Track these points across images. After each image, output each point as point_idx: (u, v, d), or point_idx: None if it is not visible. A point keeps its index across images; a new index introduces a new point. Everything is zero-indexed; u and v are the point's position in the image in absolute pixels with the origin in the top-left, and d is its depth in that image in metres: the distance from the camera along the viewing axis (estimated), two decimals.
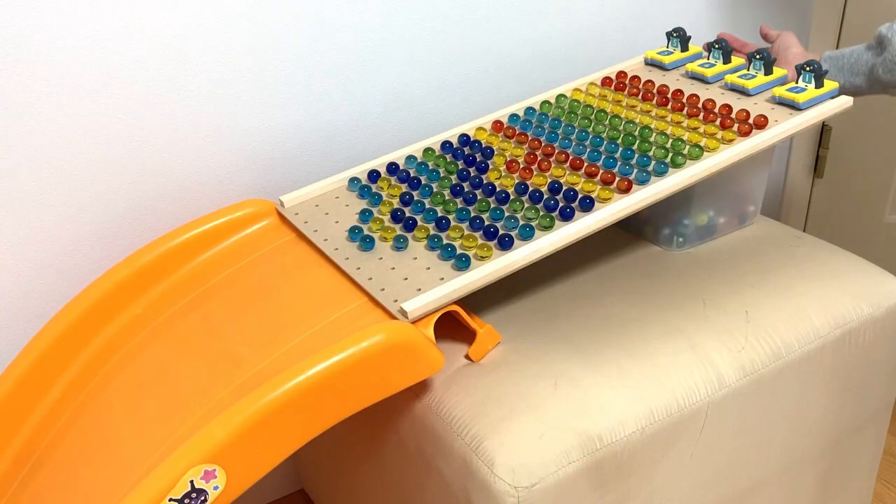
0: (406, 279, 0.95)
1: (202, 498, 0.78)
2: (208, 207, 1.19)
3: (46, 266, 1.12)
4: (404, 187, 1.11)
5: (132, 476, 0.85)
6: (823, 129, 1.76)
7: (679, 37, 1.27)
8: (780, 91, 1.09)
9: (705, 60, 1.22)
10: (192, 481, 0.77)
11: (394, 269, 0.98)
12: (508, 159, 1.11)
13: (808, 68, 1.08)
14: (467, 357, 0.97)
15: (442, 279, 0.93)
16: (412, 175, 1.13)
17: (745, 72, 1.15)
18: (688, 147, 1.03)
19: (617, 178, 1.01)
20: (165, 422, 0.90)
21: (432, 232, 1.02)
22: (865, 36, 1.63)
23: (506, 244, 0.95)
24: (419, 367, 0.89)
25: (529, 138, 1.14)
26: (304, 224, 1.10)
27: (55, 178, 1.08)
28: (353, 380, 0.84)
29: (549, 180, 1.04)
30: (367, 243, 1.02)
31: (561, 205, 0.98)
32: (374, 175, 1.15)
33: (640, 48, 1.40)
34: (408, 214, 1.06)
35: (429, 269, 0.96)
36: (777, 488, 1.11)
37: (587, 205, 0.98)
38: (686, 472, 0.98)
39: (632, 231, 1.20)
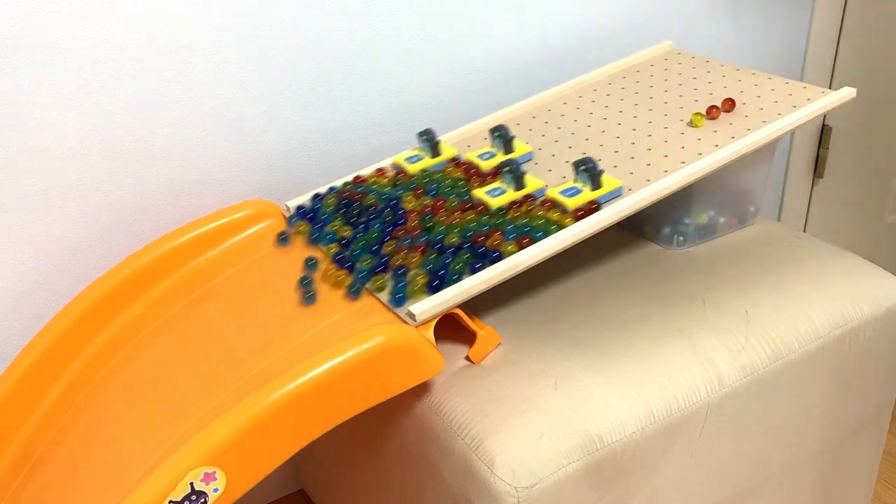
0: None
1: (202, 500, 0.78)
2: (208, 208, 1.19)
3: (46, 266, 1.12)
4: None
5: (132, 477, 0.85)
6: (823, 129, 1.76)
7: (428, 140, 1.13)
8: (552, 193, 1.00)
9: (487, 149, 1.13)
10: (192, 483, 0.77)
11: None
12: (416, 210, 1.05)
13: (582, 167, 0.98)
14: (467, 358, 0.97)
15: None
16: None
17: (571, 184, 1.02)
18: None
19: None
20: (165, 423, 0.90)
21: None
22: (866, 36, 1.64)
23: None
24: (419, 370, 0.89)
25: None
26: None
27: (55, 178, 1.08)
28: (354, 382, 0.84)
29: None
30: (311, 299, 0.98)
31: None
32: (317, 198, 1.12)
33: (641, 44, 1.40)
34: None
35: None
36: (777, 488, 1.11)
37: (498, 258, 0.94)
38: (686, 472, 0.98)
39: (632, 230, 1.20)
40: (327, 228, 1.06)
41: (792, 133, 1.67)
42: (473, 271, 0.93)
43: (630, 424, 0.90)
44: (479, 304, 1.05)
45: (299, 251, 1.08)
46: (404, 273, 0.95)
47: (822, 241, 1.18)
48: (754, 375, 0.99)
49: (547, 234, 0.94)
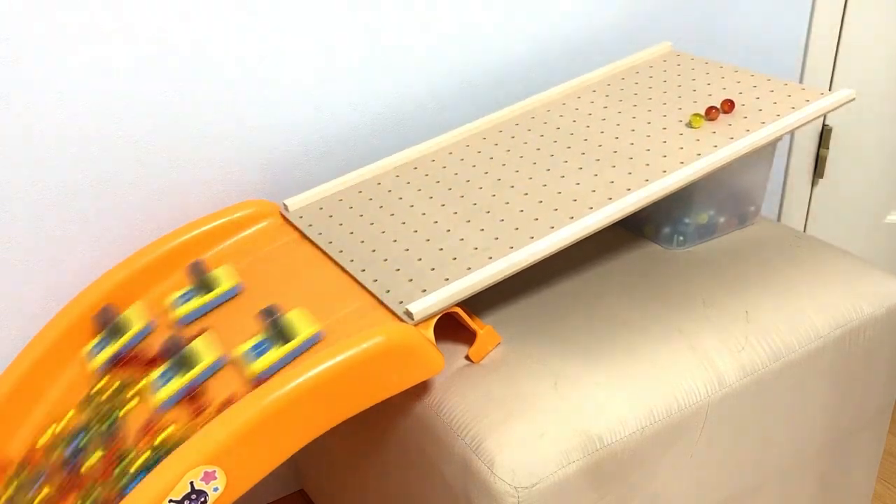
0: (411, 280, 0.95)
1: (202, 499, 0.78)
2: (208, 208, 1.19)
3: (46, 266, 1.12)
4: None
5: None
6: (823, 129, 1.75)
7: (106, 321, 0.96)
8: (236, 353, 0.87)
9: (187, 289, 1.01)
10: (191, 482, 0.77)
11: (398, 270, 0.98)
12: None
13: (268, 319, 0.87)
14: (467, 358, 0.97)
15: (447, 280, 0.93)
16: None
17: (261, 337, 0.88)
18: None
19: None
20: None
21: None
22: (866, 36, 1.64)
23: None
24: (419, 369, 0.89)
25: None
26: (309, 227, 1.10)
27: (55, 178, 1.08)
28: (353, 381, 0.84)
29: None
30: None
31: None
32: None
33: (640, 46, 1.40)
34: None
35: (433, 269, 0.96)
36: (777, 488, 1.11)
37: None
38: (686, 472, 0.98)
39: (632, 230, 1.20)
40: None
41: (792, 133, 1.68)
42: None
43: (630, 424, 0.90)
44: (479, 304, 1.05)
45: (300, 251, 1.08)
46: None
47: (822, 241, 1.18)
48: (754, 375, 0.99)
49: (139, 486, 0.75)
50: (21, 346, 1.12)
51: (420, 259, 0.99)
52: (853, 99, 1.07)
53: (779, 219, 1.83)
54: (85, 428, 0.86)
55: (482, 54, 1.34)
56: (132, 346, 0.96)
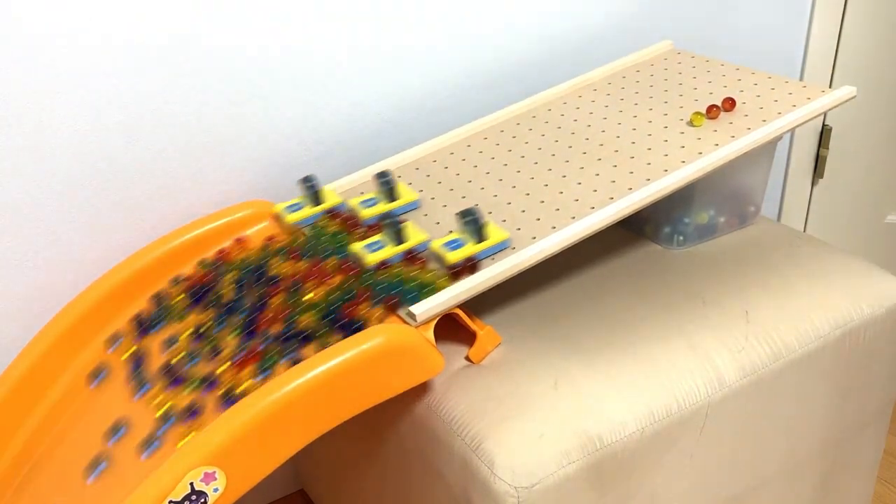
0: None
1: (202, 500, 0.77)
2: (208, 208, 1.19)
3: (46, 266, 1.12)
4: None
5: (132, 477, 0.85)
6: (823, 129, 1.76)
7: (311, 186, 1.08)
8: (436, 245, 0.96)
9: (370, 196, 1.08)
10: (191, 483, 0.77)
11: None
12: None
13: (466, 218, 0.94)
14: (467, 359, 0.97)
15: None
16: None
17: (455, 236, 0.97)
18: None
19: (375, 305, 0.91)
20: None
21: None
22: (866, 36, 1.64)
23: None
24: (419, 370, 0.89)
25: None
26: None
27: (55, 178, 1.08)
28: (354, 382, 0.84)
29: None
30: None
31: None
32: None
33: (641, 44, 1.40)
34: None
35: (433, 270, 0.96)
36: (777, 488, 1.11)
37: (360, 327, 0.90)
38: (686, 472, 0.98)
39: (632, 230, 1.20)
40: (179, 337, 0.95)
41: (792, 132, 1.68)
42: (290, 359, 0.87)
43: (630, 424, 0.90)
44: (480, 304, 1.05)
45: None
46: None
47: (822, 241, 1.18)
48: (754, 375, 0.99)
49: (419, 297, 0.89)
50: (21, 346, 1.12)
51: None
52: (854, 96, 1.07)
53: (779, 219, 1.83)
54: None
55: (483, 54, 1.34)
56: (338, 211, 1.08)
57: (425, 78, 1.30)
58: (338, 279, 0.95)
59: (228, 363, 0.89)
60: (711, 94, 1.17)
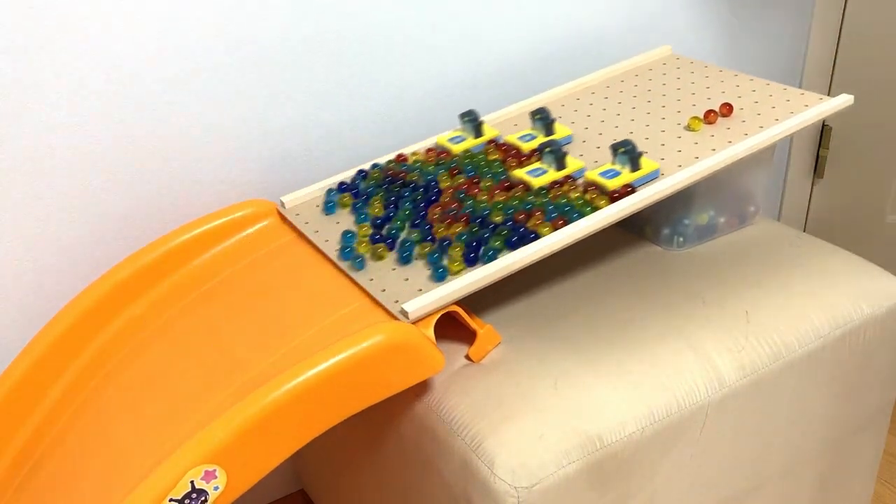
0: (407, 280, 0.95)
1: (202, 498, 0.78)
2: (209, 207, 1.19)
3: (46, 266, 1.12)
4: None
5: (132, 476, 0.85)
6: (823, 129, 1.76)
7: (471, 120, 1.16)
8: (592, 175, 1.01)
9: (528, 131, 1.15)
10: (192, 481, 0.77)
11: (394, 269, 0.98)
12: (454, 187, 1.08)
13: (621, 150, 1.00)
14: (467, 357, 0.97)
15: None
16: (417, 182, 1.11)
17: (610, 166, 1.03)
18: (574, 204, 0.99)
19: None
20: (166, 423, 0.90)
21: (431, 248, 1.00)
22: (866, 36, 1.64)
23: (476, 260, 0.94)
24: (419, 368, 0.89)
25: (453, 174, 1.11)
26: (305, 224, 1.10)
27: (55, 177, 1.08)
28: (354, 380, 0.84)
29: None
30: (359, 263, 1.00)
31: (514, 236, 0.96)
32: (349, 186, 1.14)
33: (640, 49, 1.41)
34: (387, 232, 1.03)
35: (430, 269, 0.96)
36: (777, 488, 1.11)
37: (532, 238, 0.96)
38: (686, 472, 0.98)
39: (632, 231, 1.20)
40: (371, 201, 1.08)
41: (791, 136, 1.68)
42: (511, 247, 0.94)
43: (630, 424, 0.90)
44: (480, 303, 1.05)
45: (300, 251, 1.08)
46: (448, 245, 0.96)
47: (822, 241, 1.18)
48: (754, 375, 0.99)
49: (582, 215, 0.96)
50: (21, 346, 1.12)
51: (417, 258, 0.99)
52: (851, 104, 1.07)
53: (779, 219, 1.83)
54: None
55: (482, 56, 1.34)
56: (497, 142, 1.15)
57: (423, 79, 1.30)
58: (510, 194, 1.03)
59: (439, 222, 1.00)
60: (709, 99, 1.17)
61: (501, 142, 1.15)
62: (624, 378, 0.94)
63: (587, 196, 0.99)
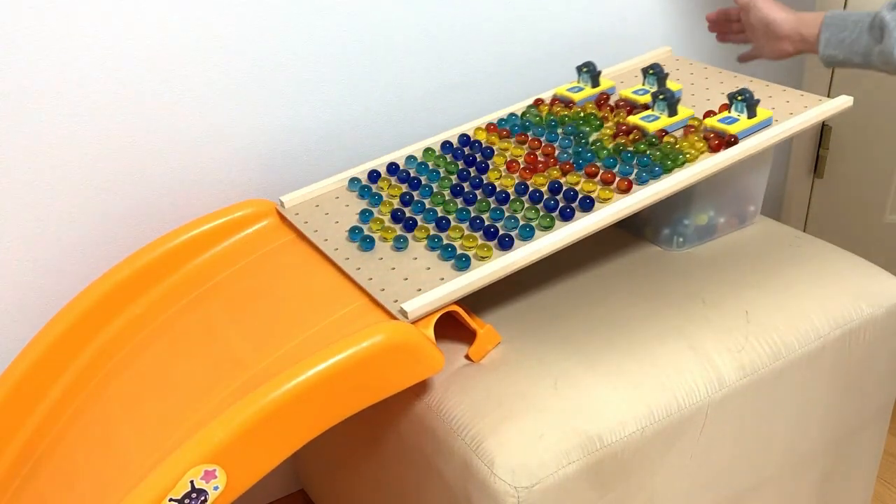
0: (406, 279, 0.95)
1: (202, 498, 0.78)
2: (208, 207, 1.19)
3: (47, 266, 1.12)
4: (404, 187, 1.11)
5: (132, 476, 0.85)
6: (823, 129, 1.76)
7: (589, 72, 1.22)
8: (711, 122, 1.06)
9: (640, 87, 1.19)
10: (192, 481, 0.77)
11: (394, 269, 0.98)
12: (508, 159, 1.11)
13: (739, 97, 1.05)
14: (467, 357, 0.97)
15: (442, 279, 0.93)
16: (412, 175, 1.13)
17: (649, 112, 1.11)
18: (683, 152, 1.03)
19: (617, 178, 1.01)
20: (165, 422, 0.90)
21: (432, 232, 1.02)
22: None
23: (506, 244, 0.95)
24: (419, 368, 0.89)
25: (529, 138, 1.14)
26: (305, 224, 1.10)
27: (55, 178, 1.08)
28: (353, 380, 0.84)
29: (549, 180, 1.04)
30: (367, 243, 1.02)
31: (561, 205, 0.98)
32: (374, 175, 1.15)
33: (641, 49, 1.41)
34: (408, 215, 1.06)
35: (429, 269, 0.96)
36: (777, 488, 1.11)
37: (587, 205, 0.98)
38: (686, 472, 0.98)
39: (632, 231, 1.20)
40: (391, 190, 1.12)
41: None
42: (565, 217, 0.97)
43: (630, 424, 0.90)
44: (480, 303, 1.05)
45: (299, 251, 1.08)
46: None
47: (822, 241, 1.18)
48: (754, 375, 0.99)
49: (679, 166, 1.01)
50: (21, 346, 1.12)
51: (416, 258, 0.99)
52: (850, 105, 1.07)
53: (779, 219, 1.83)
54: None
55: (482, 56, 1.34)
56: (609, 93, 1.22)
57: (423, 78, 1.30)
58: (625, 140, 1.09)
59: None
60: (709, 100, 1.17)
61: (615, 94, 1.21)
62: (624, 378, 0.94)
63: (692, 143, 1.03)
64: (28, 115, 1.04)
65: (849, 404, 1.12)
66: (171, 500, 0.76)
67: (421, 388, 0.96)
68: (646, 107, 1.14)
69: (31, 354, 1.01)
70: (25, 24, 1.00)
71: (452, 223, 1.02)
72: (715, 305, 1.04)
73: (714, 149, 1.02)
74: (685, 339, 0.99)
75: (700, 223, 1.16)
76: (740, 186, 1.18)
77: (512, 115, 1.22)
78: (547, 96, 1.26)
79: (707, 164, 1.01)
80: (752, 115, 1.05)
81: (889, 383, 1.16)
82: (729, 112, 1.07)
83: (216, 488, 0.78)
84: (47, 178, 1.08)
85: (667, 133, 1.08)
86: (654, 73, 1.16)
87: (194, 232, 1.11)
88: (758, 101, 1.05)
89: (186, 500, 0.77)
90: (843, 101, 1.07)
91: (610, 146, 1.08)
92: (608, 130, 1.12)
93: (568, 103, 1.21)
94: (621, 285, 1.09)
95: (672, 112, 1.10)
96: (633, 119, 1.11)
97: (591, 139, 1.12)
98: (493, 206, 1.03)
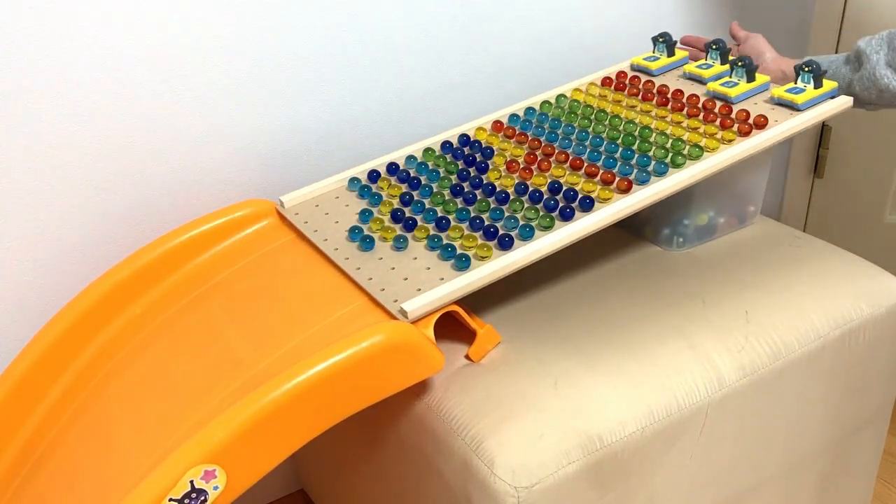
0: (406, 279, 0.95)
1: (202, 498, 0.78)
2: (208, 207, 1.19)
3: (47, 266, 1.12)
4: (404, 187, 1.11)
5: (132, 476, 0.85)
6: (823, 129, 1.76)
7: (665, 42, 1.26)
8: (779, 92, 1.08)
9: (703, 62, 1.21)
10: (192, 481, 0.77)
11: (394, 269, 0.98)
12: (508, 159, 1.11)
13: (806, 68, 1.07)
14: (467, 357, 0.97)
15: (442, 279, 0.93)
16: (412, 175, 1.13)
17: (727, 79, 1.15)
18: (688, 147, 1.03)
19: (617, 178, 1.01)
20: (165, 422, 0.90)
21: (432, 232, 1.02)
22: (865, 35, 1.64)
23: (506, 244, 0.95)
24: (419, 368, 0.89)
25: (529, 138, 1.14)
26: (304, 224, 1.10)
27: (55, 178, 1.08)
28: (353, 380, 0.84)
29: (549, 180, 1.04)
30: (366, 243, 1.02)
31: (561, 205, 0.98)
32: (373, 175, 1.15)
33: (641, 49, 1.40)
34: (408, 214, 1.06)
35: (429, 269, 0.96)
36: (777, 488, 1.11)
37: (587, 205, 0.98)
38: (686, 472, 0.98)
39: (632, 231, 1.20)
40: (391, 189, 1.12)
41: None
42: (565, 217, 0.97)
43: (630, 424, 0.90)
44: (480, 303, 1.05)
45: (299, 251, 1.08)
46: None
47: (822, 241, 1.18)
48: (754, 375, 0.99)
49: (695, 158, 1.02)
50: (21, 346, 1.12)
51: (416, 258, 0.99)
52: (850, 105, 1.07)
53: (779, 219, 1.83)
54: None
55: (482, 56, 1.34)
56: (684, 63, 1.26)
57: (423, 78, 1.30)
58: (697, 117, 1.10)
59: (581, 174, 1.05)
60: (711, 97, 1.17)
61: (683, 66, 1.24)
62: (624, 378, 0.94)
63: (712, 134, 1.05)
64: (28, 115, 1.04)
65: (849, 404, 1.12)
66: (171, 500, 0.76)
67: (421, 388, 0.96)
68: (730, 64, 1.16)
69: (31, 354, 1.01)
70: (25, 24, 1.00)
71: (452, 223, 1.02)
72: (715, 305, 1.04)
73: (744, 133, 1.04)
74: (685, 339, 0.99)
75: (700, 223, 1.16)
76: (740, 186, 1.18)
77: (529, 108, 1.22)
78: (624, 66, 1.30)
79: (707, 164, 1.01)
80: (818, 85, 1.07)
81: (889, 383, 1.16)
82: (795, 83, 1.09)
83: (216, 488, 0.78)
84: (47, 178, 1.08)
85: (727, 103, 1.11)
86: (718, 48, 1.20)
87: (194, 232, 1.11)
88: (824, 71, 1.07)
89: (186, 500, 0.77)
90: (843, 101, 1.07)
91: (619, 139, 1.09)
92: (650, 110, 1.14)
93: (646, 73, 1.26)
94: (621, 285, 1.09)
95: (751, 78, 1.13)
96: (713, 85, 1.14)
97: (634, 128, 1.12)
98: (492, 206, 1.03)
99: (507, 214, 1.01)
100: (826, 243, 1.17)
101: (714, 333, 1.00)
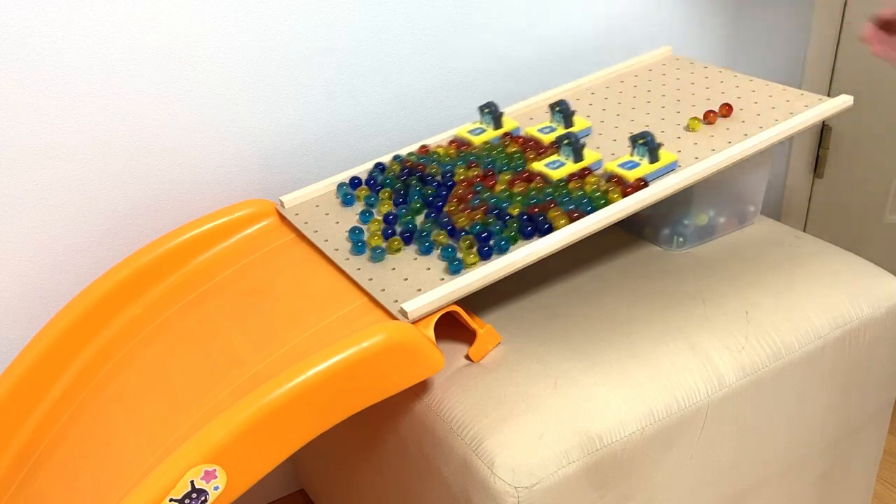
0: (406, 279, 0.95)
1: (202, 498, 0.78)
2: (208, 207, 1.19)
3: (47, 266, 1.12)
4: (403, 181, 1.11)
5: (132, 476, 0.85)
6: (823, 129, 1.76)
7: (491, 112, 1.17)
8: (611, 166, 1.03)
9: (547, 125, 1.16)
10: (192, 481, 0.77)
11: (394, 269, 0.98)
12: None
13: (640, 141, 1.01)
14: (467, 357, 0.97)
15: (442, 279, 0.93)
16: (408, 174, 1.13)
17: (627, 158, 1.04)
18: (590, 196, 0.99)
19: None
20: (165, 422, 0.90)
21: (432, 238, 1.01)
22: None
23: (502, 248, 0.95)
24: (419, 368, 0.89)
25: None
26: (305, 224, 1.10)
27: (55, 178, 1.08)
28: (354, 380, 0.84)
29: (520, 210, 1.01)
30: (361, 248, 1.02)
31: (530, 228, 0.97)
32: (374, 173, 1.15)
33: (641, 49, 1.41)
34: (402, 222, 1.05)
35: (429, 269, 0.96)
36: (777, 488, 1.11)
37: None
38: (686, 472, 0.98)
39: (632, 231, 1.20)
40: (381, 194, 1.10)
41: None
42: (527, 237, 0.95)
43: (630, 424, 0.90)
44: (480, 303, 1.05)
45: (299, 251, 1.08)
46: (462, 235, 0.97)
47: (822, 241, 1.18)
48: (754, 375, 0.99)
49: (597, 208, 0.96)
50: (21, 346, 1.12)
51: (416, 258, 0.99)
52: (851, 105, 1.07)
53: (779, 219, 1.83)
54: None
55: (481, 56, 1.34)
56: (516, 134, 1.17)
57: (423, 78, 1.30)
58: (529, 185, 1.04)
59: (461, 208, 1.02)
60: (709, 100, 1.17)
61: (520, 134, 1.16)
62: (624, 378, 0.94)
63: (603, 188, 1.00)
64: (28, 115, 1.04)
65: (848, 404, 1.12)
66: (171, 500, 0.76)
67: (421, 388, 0.96)
68: (556, 145, 1.09)
69: (31, 354, 1.01)
70: (25, 24, 1.00)
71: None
72: (715, 305, 1.04)
73: (625, 193, 0.98)
74: (685, 339, 0.99)
75: (700, 223, 1.16)
76: (740, 186, 1.18)
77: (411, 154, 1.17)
78: (445, 138, 1.20)
79: (707, 164, 1.01)
80: (653, 159, 1.01)
81: (889, 383, 1.16)
82: (631, 156, 1.03)
83: (216, 488, 0.78)
84: (47, 178, 1.08)
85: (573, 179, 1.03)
86: (560, 109, 1.10)
87: (194, 232, 1.11)
88: (660, 144, 1.01)
89: (186, 500, 0.77)
90: (843, 101, 1.07)
91: (510, 194, 1.03)
92: (506, 176, 1.06)
93: (462, 145, 1.17)
94: (621, 285, 1.09)
95: (578, 157, 1.05)
96: (537, 166, 1.06)
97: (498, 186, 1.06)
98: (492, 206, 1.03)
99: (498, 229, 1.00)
100: (826, 243, 1.17)
101: (714, 333, 1.00)
